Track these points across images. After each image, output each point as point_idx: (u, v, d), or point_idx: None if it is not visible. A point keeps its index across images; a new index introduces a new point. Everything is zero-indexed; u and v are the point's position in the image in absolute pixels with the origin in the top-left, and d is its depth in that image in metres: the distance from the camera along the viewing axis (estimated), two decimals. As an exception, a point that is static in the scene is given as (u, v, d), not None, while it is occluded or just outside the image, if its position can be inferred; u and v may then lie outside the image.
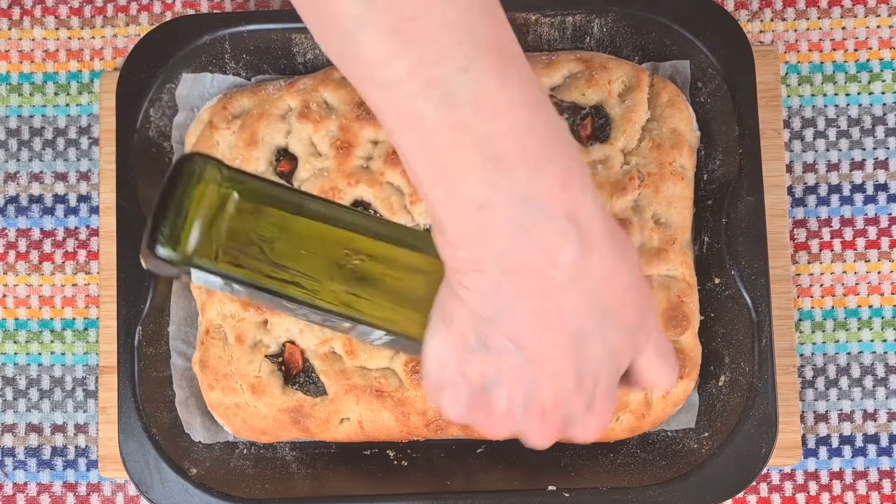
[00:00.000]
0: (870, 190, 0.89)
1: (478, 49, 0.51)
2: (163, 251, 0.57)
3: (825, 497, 0.87)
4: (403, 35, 0.51)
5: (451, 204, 0.54)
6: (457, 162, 0.53)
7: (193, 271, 0.58)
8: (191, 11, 0.93)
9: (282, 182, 0.60)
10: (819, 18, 0.91)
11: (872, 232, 0.89)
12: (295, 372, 0.83)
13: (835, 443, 0.87)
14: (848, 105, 0.90)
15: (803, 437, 0.87)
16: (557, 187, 0.54)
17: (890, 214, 0.89)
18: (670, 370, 0.63)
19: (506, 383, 0.58)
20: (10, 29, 0.94)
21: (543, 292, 0.55)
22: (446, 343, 0.58)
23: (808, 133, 0.90)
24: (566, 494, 0.79)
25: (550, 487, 0.80)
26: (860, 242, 0.89)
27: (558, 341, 0.56)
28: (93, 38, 0.93)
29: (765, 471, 0.85)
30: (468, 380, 0.59)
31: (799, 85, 0.91)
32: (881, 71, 0.90)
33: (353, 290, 0.60)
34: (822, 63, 0.91)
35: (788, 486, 0.87)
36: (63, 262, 0.91)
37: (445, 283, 0.58)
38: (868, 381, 0.88)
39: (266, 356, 0.83)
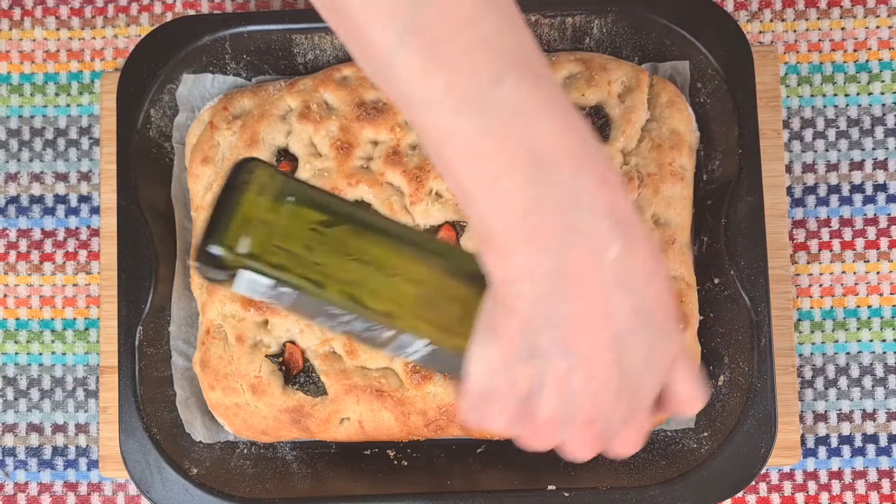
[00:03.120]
0: (869, 190, 0.89)
1: (508, 63, 0.54)
2: (216, 250, 0.58)
3: (824, 497, 0.87)
4: (438, 56, 0.53)
5: (501, 210, 0.55)
6: (503, 164, 0.54)
7: (242, 273, 0.59)
8: (191, 12, 0.93)
9: (331, 192, 0.62)
10: (818, 19, 0.91)
11: (871, 232, 0.89)
12: (295, 372, 0.83)
13: (834, 442, 0.87)
14: (847, 105, 0.90)
15: (802, 436, 0.87)
16: (599, 182, 0.55)
17: (889, 215, 0.89)
18: (699, 390, 0.63)
19: (550, 388, 0.58)
20: (10, 29, 0.94)
21: (592, 292, 0.56)
22: (495, 354, 0.58)
23: (808, 133, 0.90)
24: (566, 494, 0.79)
25: (550, 487, 0.80)
26: (859, 243, 0.89)
27: (604, 342, 0.57)
28: (93, 38, 0.94)
29: (764, 470, 0.85)
30: (517, 390, 0.59)
31: (798, 85, 0.91)
32: (880, 71, 0.90)
33: (399, 300, 0.61)
34: (821, 64, 0.91)
35: (788, 486, 0.87)
36: (64, 263, 0.91)
37: (491, 295, 0.59)
38: (867, 381, 0.88)
39: (266, 356, 0.83)
